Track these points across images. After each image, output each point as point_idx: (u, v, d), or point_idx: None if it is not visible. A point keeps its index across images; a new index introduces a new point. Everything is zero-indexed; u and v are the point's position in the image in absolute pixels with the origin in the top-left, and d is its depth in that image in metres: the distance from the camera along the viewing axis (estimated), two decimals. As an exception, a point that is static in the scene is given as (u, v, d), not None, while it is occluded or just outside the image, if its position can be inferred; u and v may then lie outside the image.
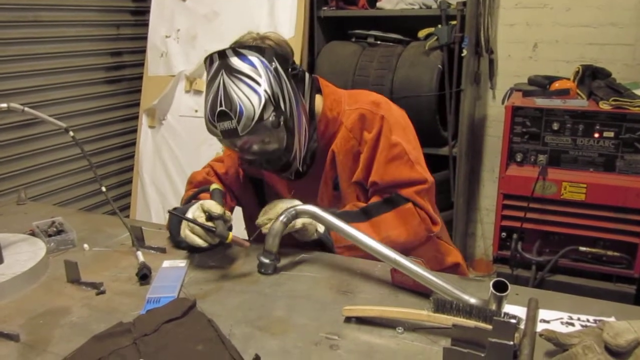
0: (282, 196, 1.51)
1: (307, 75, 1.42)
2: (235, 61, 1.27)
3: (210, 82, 1.29)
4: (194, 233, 1.29)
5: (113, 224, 1.58)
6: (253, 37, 1.38)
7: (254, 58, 1.27)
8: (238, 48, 1.28)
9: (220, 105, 1.25)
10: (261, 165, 1.43)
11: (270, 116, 1.27)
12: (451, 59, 2.73)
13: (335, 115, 1.46)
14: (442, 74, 2.71)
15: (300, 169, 1.44)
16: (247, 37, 1.39)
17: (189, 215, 1.30)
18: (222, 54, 1.28)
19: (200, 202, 1.33)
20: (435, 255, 1.50)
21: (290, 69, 1.34)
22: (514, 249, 2.57)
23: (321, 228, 1.39)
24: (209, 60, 1.31)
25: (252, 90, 1.25)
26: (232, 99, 1.24)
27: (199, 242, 1.28)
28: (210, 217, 1.27)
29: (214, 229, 1.24)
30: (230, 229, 1.29)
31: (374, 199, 1.45)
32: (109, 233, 1.54)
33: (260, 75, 1.26)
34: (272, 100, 1.27)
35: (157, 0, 3.20)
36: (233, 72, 1.26)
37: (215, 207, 1.29)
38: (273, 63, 1.29)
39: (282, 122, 1.30)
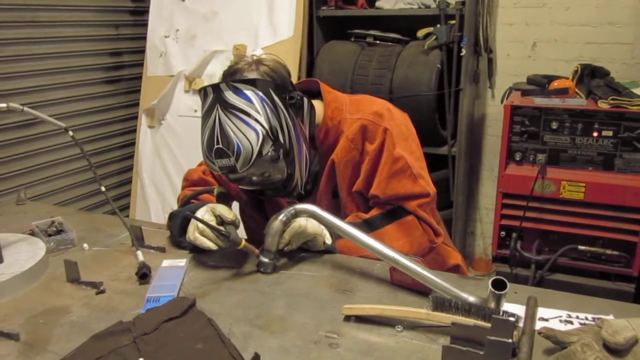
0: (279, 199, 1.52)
1: (305, 100, 1.38)
2: (230, 96, 1.23)
3: (205, 116, 1.27)
4: (203, 236, 1.29)
5: (113, 224, 1.58)
6: (248, 62, 1.33)
7: (250, 92, 1.24)
8: (232, 82, 1.25)
9: (217, 143, 1.23)
10: (262, 193, 1.43)
11: (269, 151, 1.25)
12: (450, 58, 2.73)
13: (336, 123, 1.45)
14: (441, 73, 2.71)
15: (302, 193, 1.43)
16: (242, 63, 1.34)
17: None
18: (216, 88, 1.25)
19: (211, 205, 1.33)
20: (436, 258, 1.50)
21: (288, 98, 1.31)
22: (513, 247, 2.57)
23: (328, 240, 1.38)
24: (203, 92, 1.28)
25: (249, 126, 1.22)
26: (229, 137, 1.22)
27: (210, 245, 1.28)
28: (221, 221, 1.28)
29: (228, 235, 1.25)
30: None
31: (375, 211, 1.44)
32: (108, 233, 1.55)
33: (256, 110, 1.23)
34: (271, 135, 1.25)
35: (156, 0, 3.20)
36: (228, 107, 1.23)
37: (227, 213, 1.30)
38: (269, 95, 1.26)
39: (281, 155, 1.28)
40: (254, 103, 1.24)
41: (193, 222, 1.34)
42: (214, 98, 1.25)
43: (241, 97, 1.23)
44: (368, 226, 1.39)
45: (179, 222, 1.41)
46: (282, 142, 1.28)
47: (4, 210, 1.77)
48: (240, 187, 1.52)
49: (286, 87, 1.33)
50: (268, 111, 1.25)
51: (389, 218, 1.41)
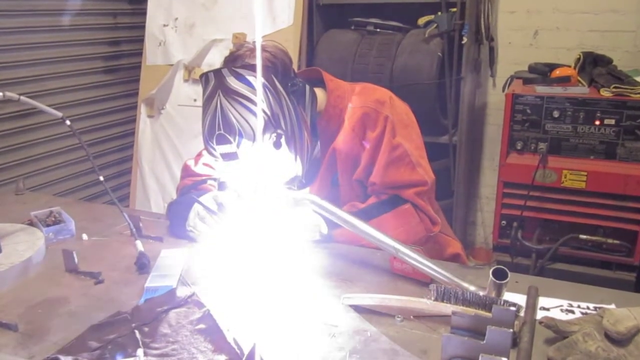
0: None
1: (307, 87, 1.38)
2: (232, 81, 1.22)
3: (206, 102, 1.26)
4: (204, 223, 1.30)
5: (112, 214, 1.57)
6: (249, 48, 1.33)
7: (252, 78, 1.22)
8: (234, 67, 1.24)
9: (219, 129, 1.22)
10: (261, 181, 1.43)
11: (270, 137, 1.25)
12: (451, 46, 2.71)
13: (338, 111, 1.44)
14: (442, 61, 2.69)
15: (303, 181, 1.43)
16: (243, 49, 1.33)
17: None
18: (218, 74, 1.24)
19: (213, 193, 1.34)
20: (434, 247, 1.49)
21: (290, 84, 1.30)
22: (514, 237, 2.57)
23: (324, 229, 1.38)
24: (205, 78, 1.27)
25: (251, 112, 1.21)
26: (231, 122, 1.21)
27: (210, 232, 1.29)
28: (222, 208, 1.28)
29: (229, 221, 1.25)
30: None
31: (372, 200, 1.44)
32: (107, 223, 1.54)
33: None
34: (272, 121, 1.24)
35: (154, -12, 3.17)
36: (230, 93, 1.22)
37: (229, 200, 1.31)
38: (272, 81, 1.25)
39: (283, 142, 1.27)
40: (256, 89, 1.23)
41: (194, 209, 1.34)
42: (216, 84, 1.24)
43: (243, 83, 1.22)
44: (364, 215, 1.38)
45: (179, 212, 1.41)
46: (284, 129, 1.27)
47: (2, 200, 1.76)
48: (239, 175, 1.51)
49: (288, 73, 1.32)
50: (270, 97, 1.24)
51: (385, 207, 1.40)
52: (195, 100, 3.08)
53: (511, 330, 0.87)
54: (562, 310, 1.06)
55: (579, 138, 2.43)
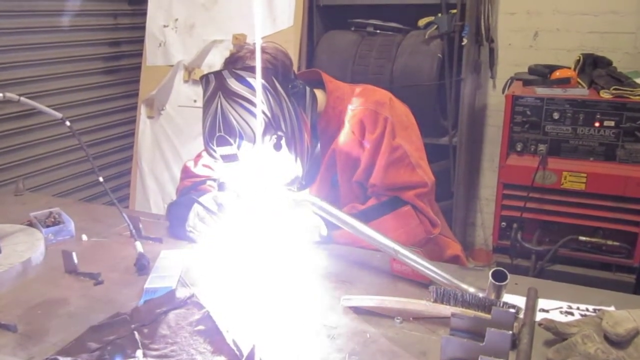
0: None
1: (307, 89, 1.38)
2: (232, 83, 1.22)
3: (207, 104, 1.26)
4: (204, 223, 1.30)
5: (112, 215, 1.57)
6: (250, 50, 1.33)
7: (252, 79, 1.22)
8: (235, 69, 1.25)
9: (219, 131, 1.22)
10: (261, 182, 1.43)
11: (270, 139, 1.25)
12: (451, 47, 2.71)
13: (338, 113, 1.44)
14: (442, 63, 2.69)
15: (302, 182, 1.43)
16: (244, 51, 1.34)
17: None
18: (218, 75, 1.24)
19: (213, 194, 1.34)
20: (433, 248, 1.49)
21: (290, 86, 1.30)
22: (513, 238, 2.57)
23: (324, 230, 1.38)
24: (205, 80, 1.27)
25: (251, 114, 1.21)
26: (231, 124, 1.21)
27: (210, 232, 1.29)
28: (221, 208, 1.28)
29: (228, 221, 1.25)
30: None
31: (372, 201, 1.44)
32: (107, 223, 1.54)
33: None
34: (272, 123, 1.24)
35: (154, -11, 3.17)
36: (231, 95, 1.22)
37: (229, 201, 1.31)
38: (272, 83, 1.25)
39: (283, 144, 1.27)
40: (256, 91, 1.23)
41: (194, 209, 1.34)
42: (216, 85, 1.24)
43: (244, 85, 1.22)
44: (364, 217, 1.37)
45: (178, 213, 1.40)
46: (284, 131, 1.27)
47: (2, 201, 1.76)
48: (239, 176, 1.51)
49: (288, 75, 1.32)
50: (270, 99, 1.24)
51: (385, 208, 1.40)
52: (195, 101, 3.08)
53: (510, 332, 0.87)
54: (561, 312, 1.05)
55: (578, 140, 2.43)
